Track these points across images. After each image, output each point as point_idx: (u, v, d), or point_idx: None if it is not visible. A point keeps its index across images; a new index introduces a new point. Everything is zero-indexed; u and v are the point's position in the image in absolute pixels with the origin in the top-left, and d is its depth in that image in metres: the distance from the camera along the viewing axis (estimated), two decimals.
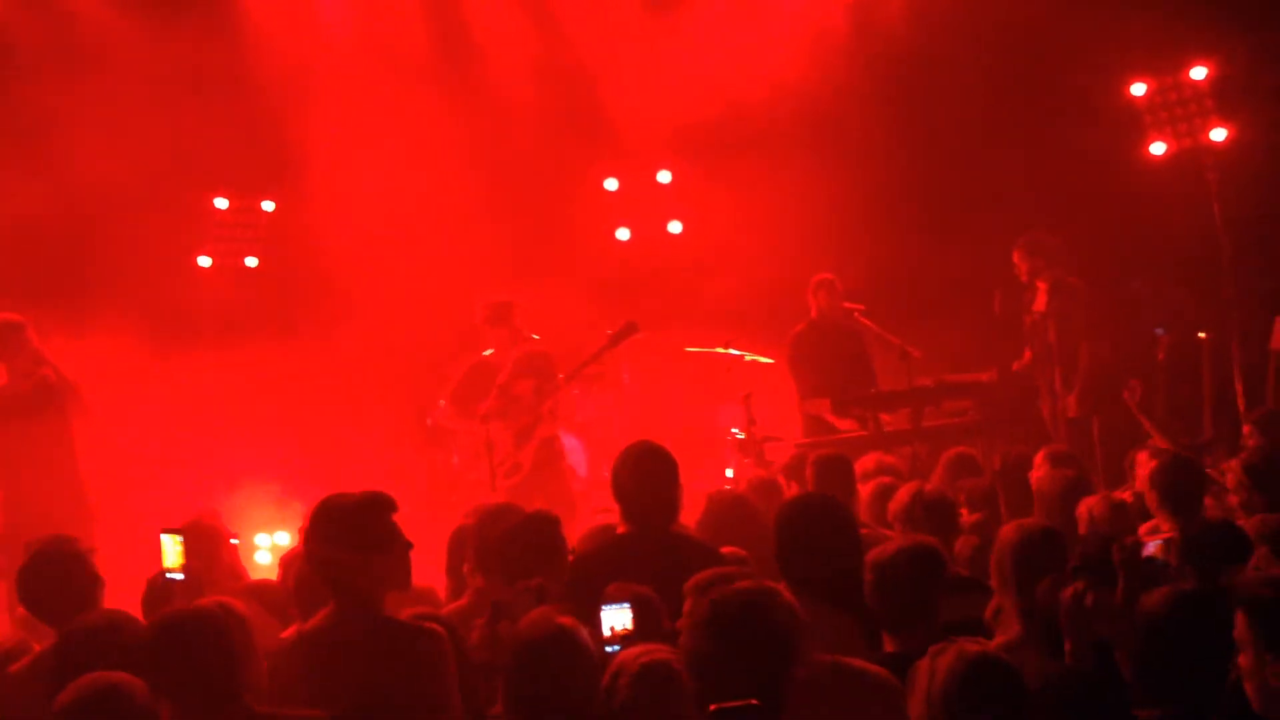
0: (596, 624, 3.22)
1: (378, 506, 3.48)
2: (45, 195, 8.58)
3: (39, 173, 8.52)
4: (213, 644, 3.14)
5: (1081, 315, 7.97)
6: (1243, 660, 2.41)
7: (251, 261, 9.85)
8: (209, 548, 4.52)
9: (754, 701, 2.33)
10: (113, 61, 9.00)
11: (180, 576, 4.11)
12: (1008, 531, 3.56)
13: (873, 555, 3.52)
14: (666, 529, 4.20)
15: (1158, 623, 2.82)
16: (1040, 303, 8.10)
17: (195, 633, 3.15)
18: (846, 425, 7.66)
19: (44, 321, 7.12)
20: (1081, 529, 4.51)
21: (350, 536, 3.40)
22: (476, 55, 10.06)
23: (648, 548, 4.04)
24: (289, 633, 3.63)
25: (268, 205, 9.85)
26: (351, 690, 3.32)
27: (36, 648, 3.95)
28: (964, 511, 5.12)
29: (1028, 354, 8.14)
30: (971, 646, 2.89)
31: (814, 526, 3.81)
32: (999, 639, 3.42)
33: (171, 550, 4.13)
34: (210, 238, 9.71)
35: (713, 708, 2.31)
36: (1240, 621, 2.42)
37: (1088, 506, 4.61)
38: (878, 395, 7.69)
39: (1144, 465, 5.54)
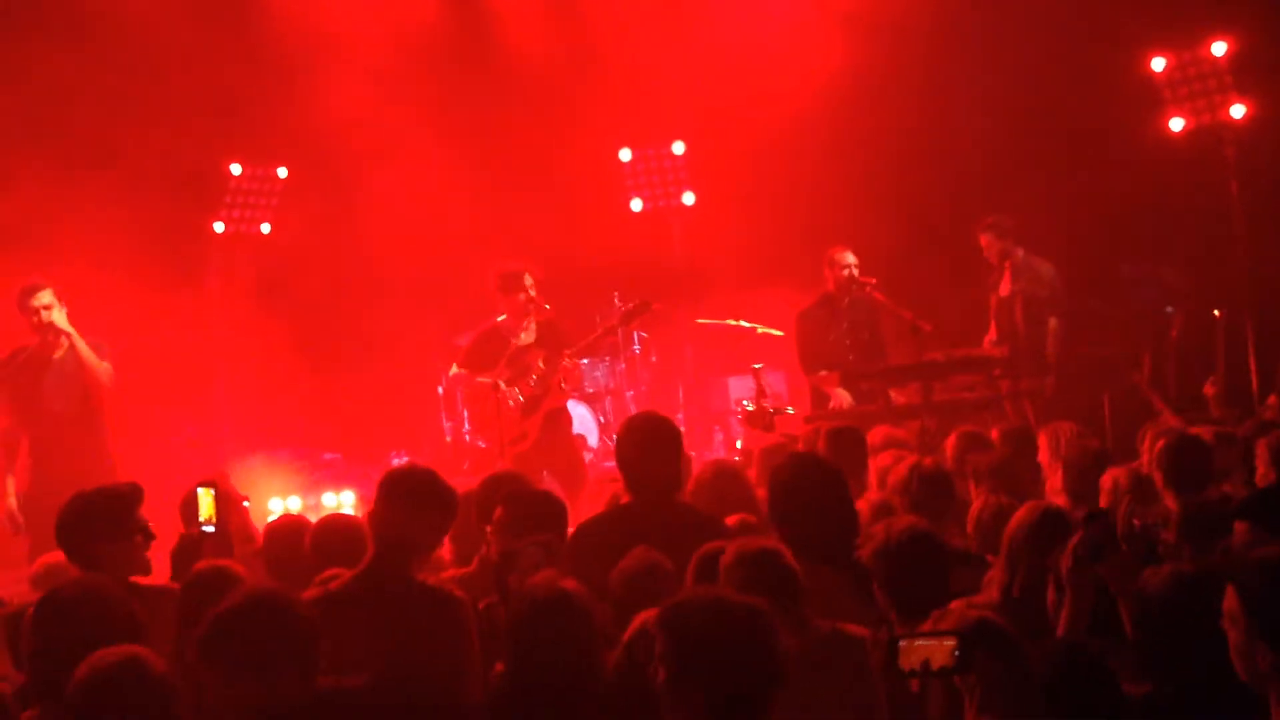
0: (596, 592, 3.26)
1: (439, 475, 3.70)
2: (63, 160, 8.64)
3: (55, 138, 8.58)
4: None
5: (1048, 294, 8.06)
6: (1232, 636, 2.41)
7: (265, 228, 9.89)
8: (221, 509, 4.59)
9: None
10: (130, 28, 9.00)
11: (212, 529, 4.23)
12: (1025, 509, 3.62)
13: (872, 546, 3.51)
14: (669, 499, 4.21)
15: (1153, 602, 2.83)
16: (1006, 284, 8.18)
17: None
18: (843, 400, 7.69)
19: (61, 285, 7.18)
20: (1103, 501, 4.51)
21: (428, 496, 3.59)
22: (491, 24, 10.04)
23: (650, 518, 4.05)
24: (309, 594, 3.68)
25: (282, 172, 9.88)
26: (379, 647, 3.36)
27: None
28: (972, 486, 5.12)
29: (993, 332, 8.20)
30: (971, 612, 2.92)
31: (806, 486, 3.86)
32: (975, 599, 3.46)
33: (205, 503, 4.27)
34: (225, 204, 9.76)
35: None
36: (1231, 597, 2.41)
37: (1113, 478, 4.62)
38: (887, 369, 7.70)
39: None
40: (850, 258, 8.01)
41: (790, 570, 3.30)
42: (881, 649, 2.42)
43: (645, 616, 3.04)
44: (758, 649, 2.63)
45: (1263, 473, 4.55)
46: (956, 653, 2.42)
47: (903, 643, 2.46)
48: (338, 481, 8.50)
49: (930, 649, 2.45)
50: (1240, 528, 3.27)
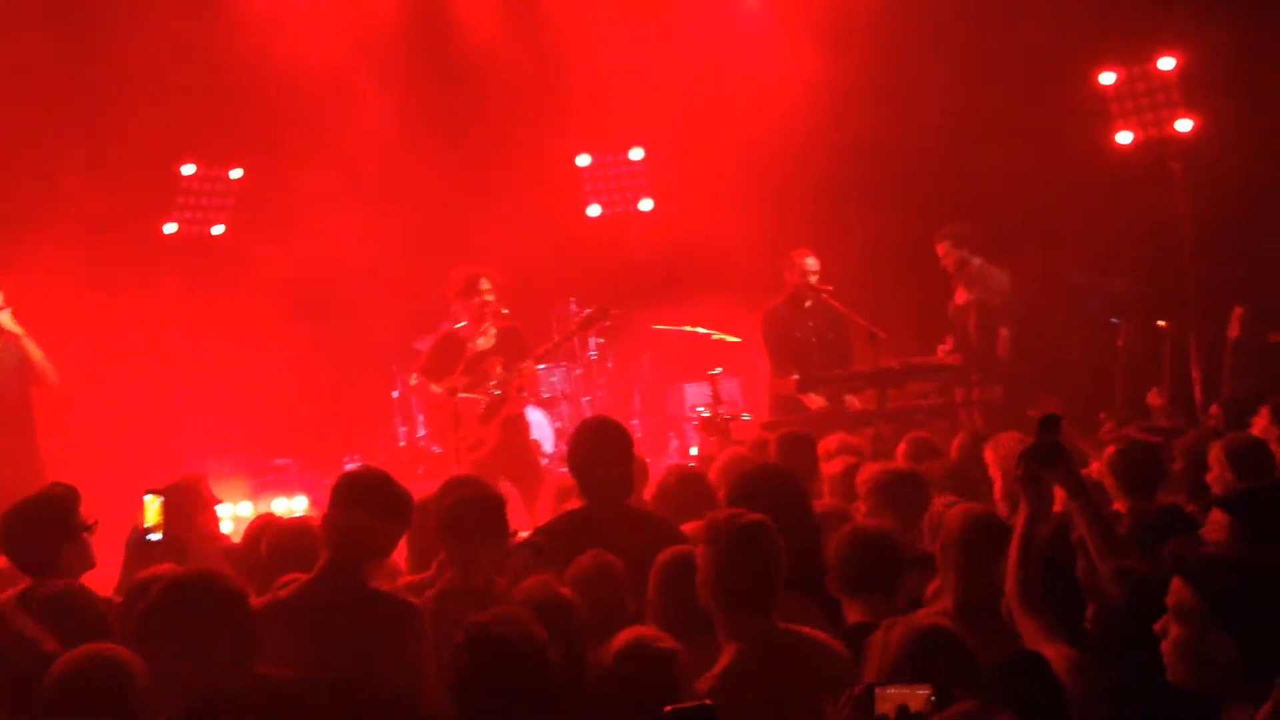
0: None
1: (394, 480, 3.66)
2: (10, 159, 8.51)
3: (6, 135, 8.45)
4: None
5: (1001, 303, 8.19)
6: (1177, 632, 2.40)
7: (218, 229, 9.78)
8: (187, 509, 4.54)
9: (708, 702, 2.39)
10: (82, 25, 8.89)
11: (158, 537, 4.14)
12: (953, 516, 3.64)
13: (838, 537, 3.59)
14: (621, 503, 4.21)
15: (1109, 602, 2.89)
16: (961, 292, 8.31)
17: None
18: (817, 404, 7.74)
19: (7, 286, 7.05)
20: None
21: (381, 501, 3.55)
22: (450, 29, 10.01)
23: (603, 522, 4.06)
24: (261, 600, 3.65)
25: (236, 173, 9.78)
26: (331, 654, 3.34)
27: None
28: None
29: (949, 340, 8.33)
30: (922, 620, 2.96)
31: (763, 502, 3.85)
32: (930, 609, 3.51)
33: (151, 510, 4.18)
34: (177, 205, 9.64)
35: (667, 709, 2.38)
36: (1182, 593, 2.40)
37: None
38: (843, 375, 7.77)
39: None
40: (811, 263, 8.07)
41: (772, 549, 3.28)
42: (854, 698, 2.46)
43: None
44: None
45: (1217, 474, 4.61)
46: (932, 699, 2.47)
47: (877, 689, 2.51)
48: (289, 487, 8.42)
49: (905, 696, 2.51)
50: (1218, 519, 3.30)
